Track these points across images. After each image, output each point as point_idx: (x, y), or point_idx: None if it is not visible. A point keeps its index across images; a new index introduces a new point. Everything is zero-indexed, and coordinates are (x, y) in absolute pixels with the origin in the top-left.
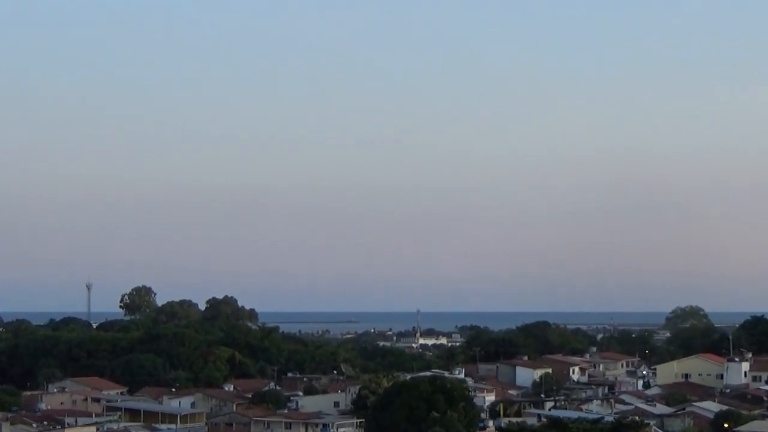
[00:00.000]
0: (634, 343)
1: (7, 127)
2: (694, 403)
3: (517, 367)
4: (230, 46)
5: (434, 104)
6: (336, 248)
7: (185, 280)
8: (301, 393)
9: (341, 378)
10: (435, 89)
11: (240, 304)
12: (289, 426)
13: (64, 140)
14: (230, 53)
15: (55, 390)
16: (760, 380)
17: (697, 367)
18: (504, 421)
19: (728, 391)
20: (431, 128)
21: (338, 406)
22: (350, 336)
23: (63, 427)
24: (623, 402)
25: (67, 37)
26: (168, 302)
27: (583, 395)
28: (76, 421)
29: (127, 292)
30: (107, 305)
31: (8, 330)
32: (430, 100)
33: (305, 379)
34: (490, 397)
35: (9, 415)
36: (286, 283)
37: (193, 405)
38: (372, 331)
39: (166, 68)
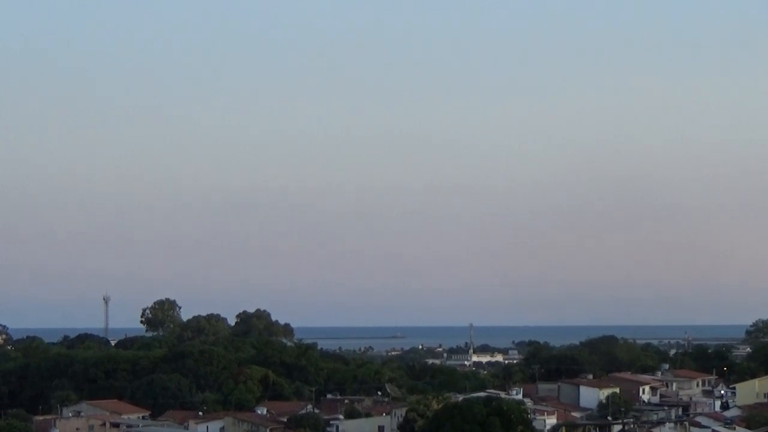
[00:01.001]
0: (711, 359)
1: (15, 129)
2: None
3: (580, 387)
4: (251, 45)
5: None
6: (378, 257)
7: (213, 293)
8: (341, 416)
9: (386, 400)
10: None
11: (273, 318)
12: None
13: (77, 144)
14: (255, 53)
15: (70, 414)
16: None
17: None
18: None
19: None
20: (452, 129)
21: (383, 431)
22: (396, 353)
23: None
24: (699, 425)
25: (101, 33)
26: (194, 317)
27: (655, 417)
28: None
29: (149, 306)
30: (127, 320)
31: (18, 348)
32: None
33: (346, 401)
34: (551, 420)
35: None
36: (325, 295)
37: (222, 430)
38: (420, 347)
39: (187, 66)
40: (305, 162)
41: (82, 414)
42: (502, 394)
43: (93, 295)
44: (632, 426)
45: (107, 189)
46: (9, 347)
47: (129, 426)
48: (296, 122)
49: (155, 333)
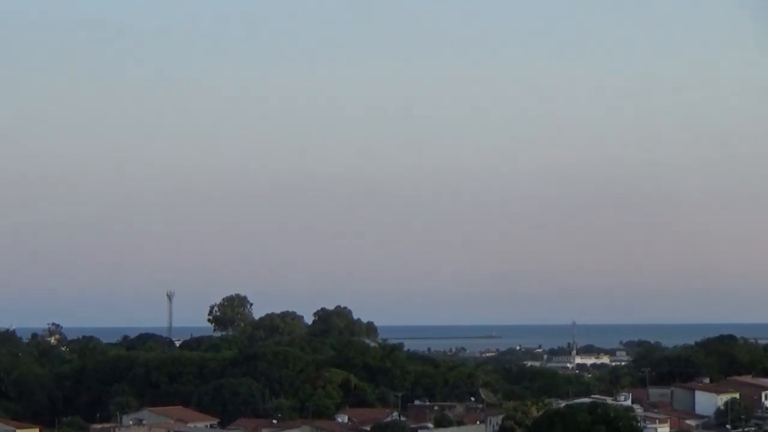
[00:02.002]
0: None
1: (63, 122)
2: None
3: (696, 392)
4: (318, 31)
5: None
6: (472, 248)
7: (288, 288)
8: (431, 424)
9: (480, 406)
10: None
11: (355, 316)
12: None
13: (131, 134)
14: (321, 41)
15: (131, 422)
16: None
17: None
18: None
19: None
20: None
21: None
22: (491, 354)
23: None
24: None
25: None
26: (267, 315)
27: None
28: None
29: (217, 303)
30: (192, 319)
31: (73, 350)
32: None
33: (436, 407)
34: (664, 429)
35: None
36: (412, 290)
37: None
38: (517, 348)
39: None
40: (384, 146)
41: (144, 422)
42: (609, 400)
43: (155, 291)
44: None
45: (168, 177)
46: (63, 348)
47: None
48: (368, 104)
49: (224, 332)
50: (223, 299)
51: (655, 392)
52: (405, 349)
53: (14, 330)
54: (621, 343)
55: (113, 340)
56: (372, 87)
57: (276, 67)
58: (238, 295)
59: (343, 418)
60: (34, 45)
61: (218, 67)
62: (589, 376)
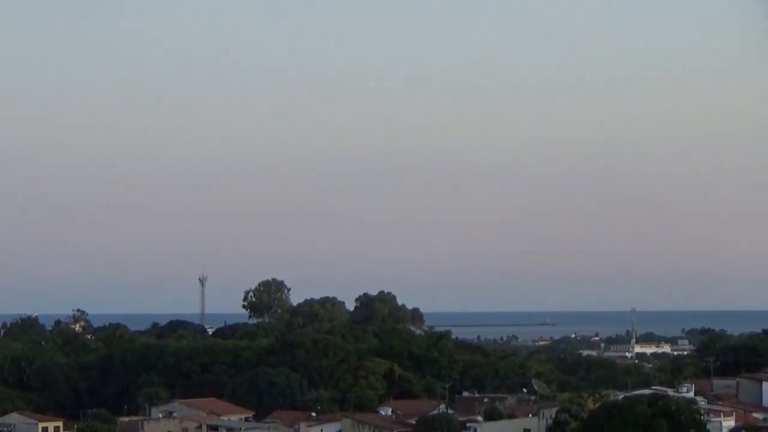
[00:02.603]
0: None
1: (93, 101)
2: None
3: (763, 383)
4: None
5: None
6: (522, 229)
7: (328, 272)
8: (480, 417)
9: (533, 398)
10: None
11: (400, 301)
12: None
13: (167, 110)
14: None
15: (161, 415)
16: None
17: None
18: None
19: None
20: None
21: None
22: (544, 343)
23: None
24: None
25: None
26: (305, 300)
27: None
28: None
29: (253, 288)
30: (226, 305)
31: (99, 338)
32: None
33: (486, 399)
34: (729, 422)
35: None
36: (460, 275)
37: None
38: (573, 336)
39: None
40: (428, 123)
41: (175, 415)
42: (670, 392)
43: (186, 275)
44: None
45: (201, 156)
46: (89, 336)
47: (229, 429)
48: (411, 78)
49: (260, 319)
50: (259, 284)
51: (719, 383)
52: (453, 337)
53: (36, 317)
54: (683, 330)
55: (142, 328)
56: (423, 66)
57: (310, 42)
58: (274, 280)
59: (386, 411)
60: None
61: (260, 46)
62: (649, 366)
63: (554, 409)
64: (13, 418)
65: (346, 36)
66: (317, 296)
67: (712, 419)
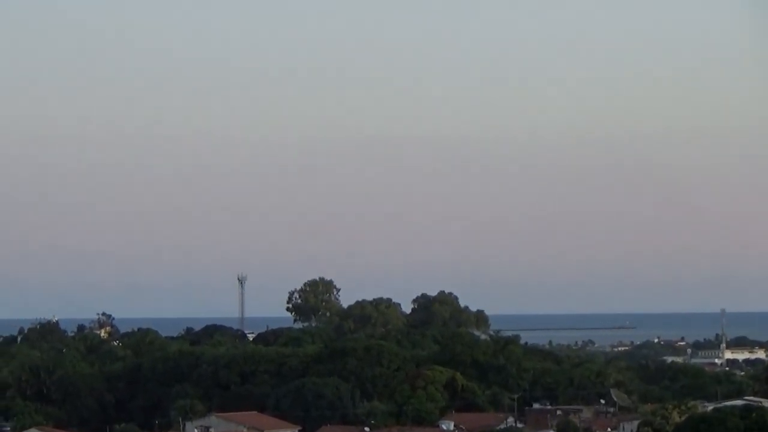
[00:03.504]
0: None
1: (123, 101)
2: None
3: None
4: None
5: None
6: (597, 224)
7: (381, 271)
8: (553, 431)
9: (611, 410)
10: None
11: (462, 303)
12: None
13: (191, 103)
14: None
15: (196, 429)
16: None
17: None
18: None
19: None
20: None
21: None
22: (624, 348)
23: None
24: None
25: None
26: (357, 302)
27: None
28: None
29: (298, 289)
30: (269, 307)
31: (127, 345)
32: None
33: (559, 411)
34: None
35: None
36: (529, 273)
37: None
38: (655, 340)
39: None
40: (493, 113)
41: (212, 429)
42: (765, 403)
43: (224, 274)
44: None
45: (239, 147)
46: (115, 343)
47: None
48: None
49: (306, 323)
50: (305, 284)
51: None
52: (521, 342)
53: (57, 321)
54: None
55: (174, 333)
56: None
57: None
58: (322, 279)
59: (448, 425)
60: None
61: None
62: (742, 374)
63: (635, 423)
64: None
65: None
66: (370, 297)
67: None
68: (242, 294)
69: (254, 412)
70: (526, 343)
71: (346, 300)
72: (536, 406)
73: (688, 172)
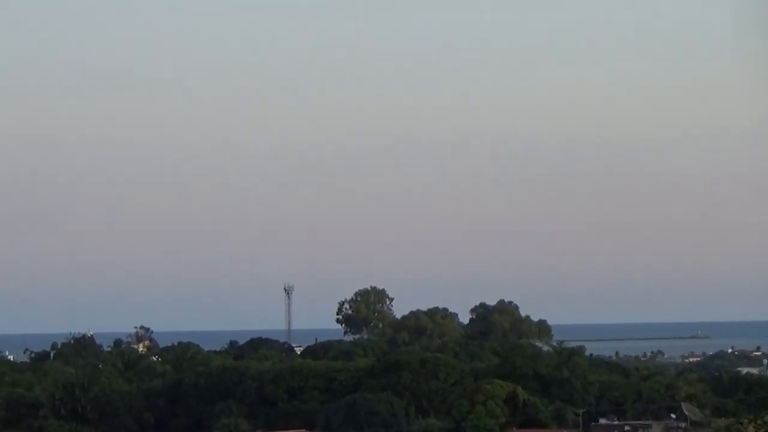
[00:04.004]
0: None
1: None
2: None
3: None
4: None
5: None
6: (665, 229)
7: (437, 279)
8: None
9: (683, 425)
10: None
11: (523, 312)
12: None
13: (238, 100)
14: None
15: None
16: None
17: None
18: None
19: None
20: None
21: None
22: (696, 359)
23: None
24: None
25: None
26: (411, 312)
27: None
28: None
29: (348, 299)
30: (317, 319)
31: (167, 359)
32: None
33: (627, 427)
34: None
35: None
36: (594, 281)
37: None
38: (729, 351)
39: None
40: (549, 113)
41: None
42: None
43: (269, 284)
44: None
45: (284, 154)
46: (155, 358)
47: None
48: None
49: (357, 336)
50: (356, 294)
51: None
52: (586, 353)
53: (92, 336)
54: None
55: (217, 347)
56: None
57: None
58: (374, 289)
59: None
60: None
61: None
62: None
63: None
64: None
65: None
66: (425, 307)
67: None
68: (289, 305)
69: (302, 431)
70: (592, 355)
71: (399, 310)
72: (602, 421)
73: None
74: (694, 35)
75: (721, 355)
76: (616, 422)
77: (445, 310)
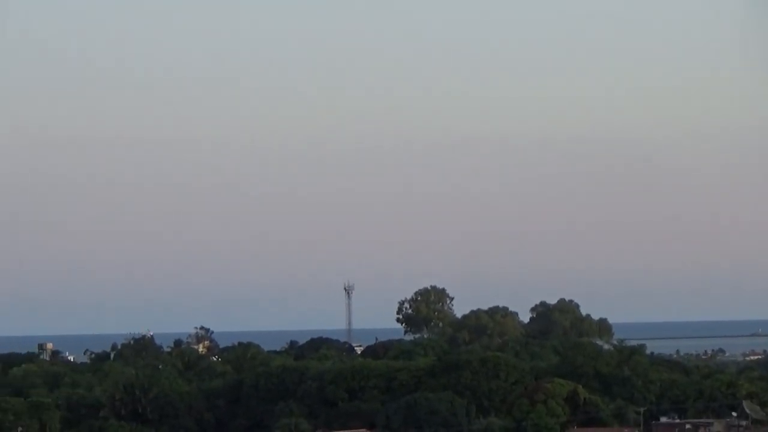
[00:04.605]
0: None
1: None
2: None
3: None
4: None
5: None
6: (727, 224)
7: (496, 278)
8: None
9: (744, 423)
10: None
11: (584, 311)
12: None
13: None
14: None
15: None
16: None
17: None
18: None
19: None
20: None
21: None
22: (757, 357)
23: None
24: None
25: None
26: (472, 311)
27: None
28: None
29: (409, 298)
30: (377, 318)
31: (227, 360)
32: None
33: (688, 425)
34: None
35: None
36: (655, 279)
37: None
38: None
39: None
40: (600, 110)
41: None
42: None
43: (329, 284)
44: None
45: (339, 154)
46: (215, 358)
47: None
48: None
49: (418, 335)
50: (416, 293)
51: None
52: (647, 352)
53: (152, 336)
54: None
55: (277, 347)
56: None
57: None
58: (434, 288)
59: None
60: None
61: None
62: None
63: None
64: None
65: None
66: (485, 306)
67: None
68: (349, 304)
69: (363, 431)
70: (652, 353)
71: (460, 309)
72: (663, 420)
73: None
74: (699, 34)
75: None
76: (677, 421)
77: (506, 309)
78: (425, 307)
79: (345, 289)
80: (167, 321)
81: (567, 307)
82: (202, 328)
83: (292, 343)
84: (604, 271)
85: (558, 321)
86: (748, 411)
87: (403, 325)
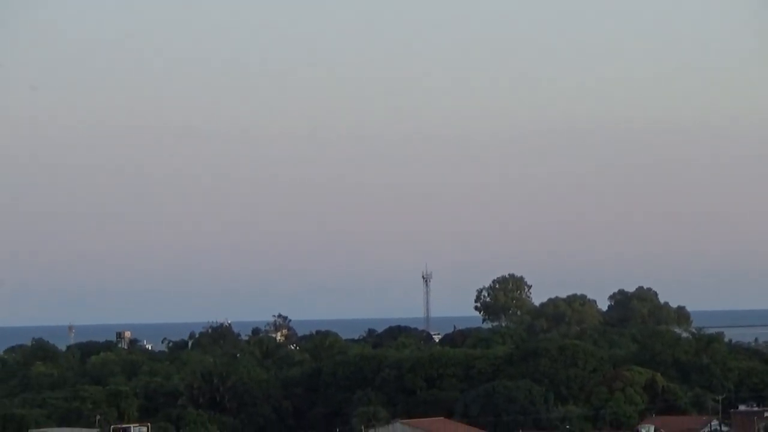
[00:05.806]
0: None
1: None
2: None
3: None
4: None
5: None
6: None
7: (575, 266)
8: None
9: None
10: None
11: (662, 299)
12: None
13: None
14: None
15: None
16: None
17: None
18: None
19: None
20: None
21: None
22: None
23: None
24: None
25: None
26: (550, 299)
27: None
28: None
29: (487, 286)
30: (455, 306)
31: (306, 348)
32: None
33: (767, 413)
34: None
35: None
36: (733, 266)
37: None
38: None
39: None
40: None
41: None
42: None
43: (407, 272)
44: None
45: (416, 144)
46: (293, 347)
47: None
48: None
49: (496, 323)
50: (494, 281)
51: None
52: (726, 340)
53: (230, 324)
54: None
55: (355, 335)
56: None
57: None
58: (512, 276)
59: (648, 429)
60: None
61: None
62: None
63: None
64: None
65: None
66: (563, 294)
67: None
68: (427, 293)
69: (441, 418)
70: (731, 341)
71: (538, 297)
72: (742, 408)
73: None
74: (715, 26)
75: None
76: (756, 408)
77: (584, 297)
78: (503, 295)
79: (423, 277)
80: (245, 309)
81: (645, 295)
82: (280, 316)
83: (371, 332)
84: (682, 259)
85: (636, 309)
86: None
87: (482, 313)
